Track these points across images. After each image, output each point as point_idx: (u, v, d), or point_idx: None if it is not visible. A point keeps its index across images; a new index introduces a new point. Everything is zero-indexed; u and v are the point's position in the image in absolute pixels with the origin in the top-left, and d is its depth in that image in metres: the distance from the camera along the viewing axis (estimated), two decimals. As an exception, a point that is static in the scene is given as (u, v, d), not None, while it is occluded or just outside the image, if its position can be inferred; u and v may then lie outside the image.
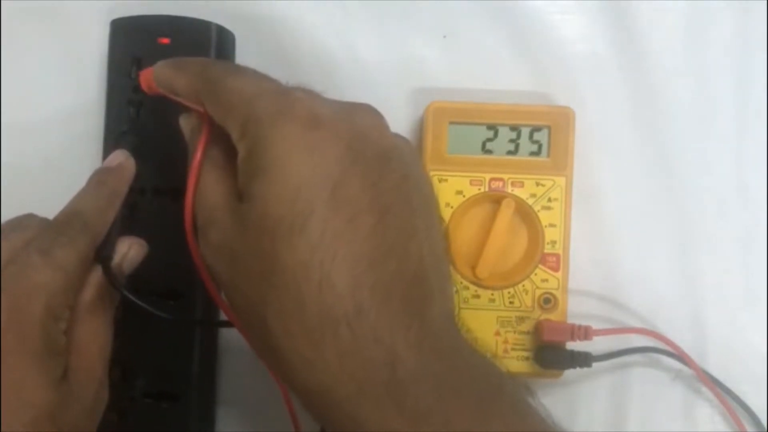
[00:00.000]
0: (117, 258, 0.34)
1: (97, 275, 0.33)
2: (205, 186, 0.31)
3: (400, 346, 0.26)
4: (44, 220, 0.34)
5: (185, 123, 0.33)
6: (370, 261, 0.27)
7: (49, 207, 0.34)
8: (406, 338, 0.26)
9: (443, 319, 0.29)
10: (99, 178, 0.35)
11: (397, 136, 0.30)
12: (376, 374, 0.26)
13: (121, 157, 0.37)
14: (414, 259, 0.28)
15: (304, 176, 0.27)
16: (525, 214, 0.40)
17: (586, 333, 0.39)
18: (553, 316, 0.39)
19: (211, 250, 0.30)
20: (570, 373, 0.40)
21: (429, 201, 0.30)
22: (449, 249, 0.39)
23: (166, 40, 0.39)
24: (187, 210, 0.31)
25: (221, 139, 0.30)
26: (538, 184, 0.40)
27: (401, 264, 0.27)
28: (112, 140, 0.39)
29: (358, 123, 0.29)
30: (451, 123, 0.40)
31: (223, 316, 0.32)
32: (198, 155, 0.31)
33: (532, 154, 0.40)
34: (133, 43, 0.40)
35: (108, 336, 0.34)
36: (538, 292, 0.40)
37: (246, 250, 0.28)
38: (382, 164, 0.28)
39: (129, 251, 0.35)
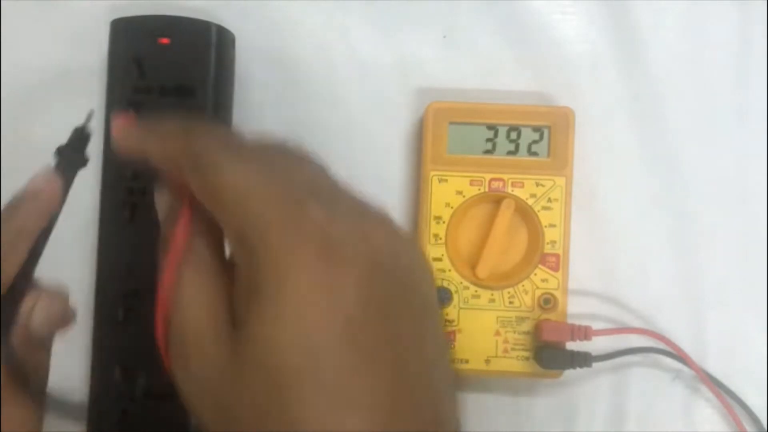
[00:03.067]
0: (21, 318, 0.28)
1: None
2: (186, 299, 0.24)
3: None
4: None
5: (160, 201, 0.27)
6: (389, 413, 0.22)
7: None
8: None
9: None
10: (5, 213, 0.29)
11: (405, 242, 0.26)
12: None
13: (40, 183, 0.29)
14: (429, 408, 0.24)
15: (320, 320, 0.22)
16: (525, 215, 0.40)
17: (586, 333, 0.39)
18: (553, 316, 0.39)
19: (191, 382, 0.24)
20: (570, 373, 0.40)
21: (437, 329, 0.26)
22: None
23: (166, 40, 0.39)
24: (159, 329, 0.25)
25: (206, 221, 0.25)
26: (538, 185, 0.40)
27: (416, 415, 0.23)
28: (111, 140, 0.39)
29: (373, 244, 0.24)
30: (451, 123, 0.40)
31: None
32: (177, 253, 0.25)
33: (532, 154, 0.40)
34: (133, 43, 0.40)
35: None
36: (538, 292, 0.40)
37: (242, 398, 0.23)
38: (397, 297, 0.24)
39: (35, 306, 0.29)
